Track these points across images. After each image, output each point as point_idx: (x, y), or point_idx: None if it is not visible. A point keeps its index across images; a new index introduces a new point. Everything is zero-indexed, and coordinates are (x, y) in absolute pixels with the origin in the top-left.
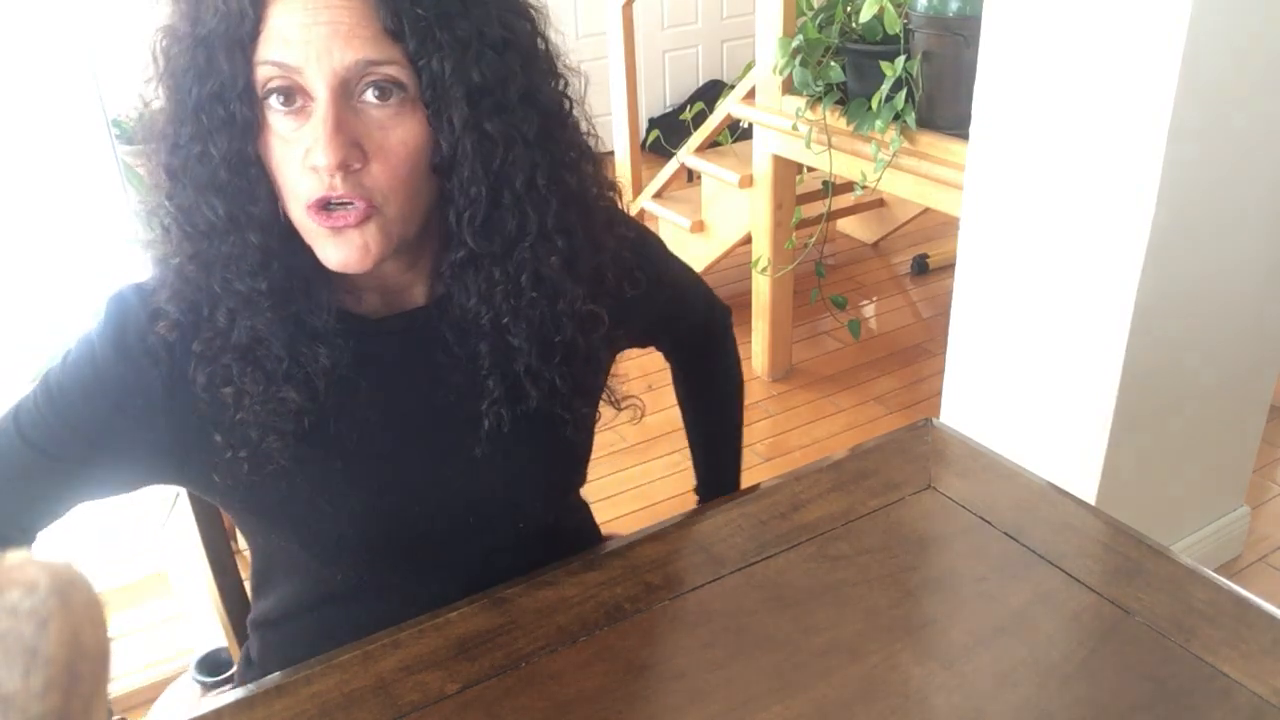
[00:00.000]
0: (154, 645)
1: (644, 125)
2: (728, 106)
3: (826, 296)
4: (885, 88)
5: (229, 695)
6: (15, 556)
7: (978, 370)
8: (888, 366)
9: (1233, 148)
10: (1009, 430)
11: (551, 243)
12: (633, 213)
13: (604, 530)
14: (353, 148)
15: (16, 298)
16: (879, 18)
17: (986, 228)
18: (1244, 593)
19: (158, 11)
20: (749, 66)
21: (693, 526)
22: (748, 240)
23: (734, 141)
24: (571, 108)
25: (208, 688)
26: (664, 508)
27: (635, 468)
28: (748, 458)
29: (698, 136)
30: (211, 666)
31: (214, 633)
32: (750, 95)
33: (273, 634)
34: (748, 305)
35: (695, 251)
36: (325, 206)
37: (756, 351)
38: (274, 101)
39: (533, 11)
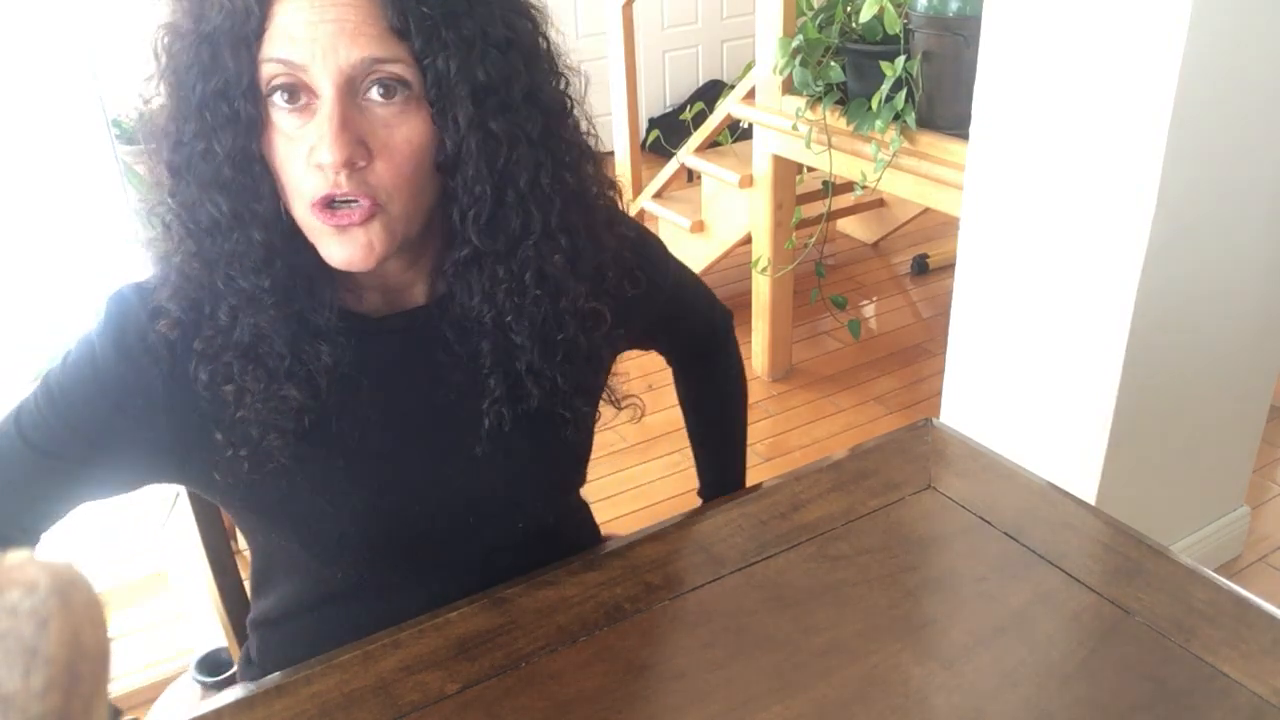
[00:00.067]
0: (154, 645)
1: (644, 125)
2: (728, 106)
3: (826, 296)
4: (885, 88)
5: (229, 695)
6: (15, 556)
7: (978, 370)
8: (888, 366)
9: (1233, 148)
10: (1009, 430)
11: (555, 241)
12: (633, 213)
13: (604, 530)
14: (358, 145)
15: (17, 298)
16: (879, 18)
17: (986, 228)
18: (1244, 593)
19: (159, 9)
20: (749, 66)
21: (693, 526)
22: (748, 240)
23: (734, 141)
24: (572, 107)
25: (208, 688)
26: (664, 508)
27: (635, 468)
28: (748, 458)
29: (698, 136)
30: (211, 666)
31: (214, 633)
32: (750, 95)
33: (273, 634)
34: (748, 305)
35: (695, 251)
36: (330, 204)
37: (756, 351)
38: (278, 99)
39: (534, 11)
